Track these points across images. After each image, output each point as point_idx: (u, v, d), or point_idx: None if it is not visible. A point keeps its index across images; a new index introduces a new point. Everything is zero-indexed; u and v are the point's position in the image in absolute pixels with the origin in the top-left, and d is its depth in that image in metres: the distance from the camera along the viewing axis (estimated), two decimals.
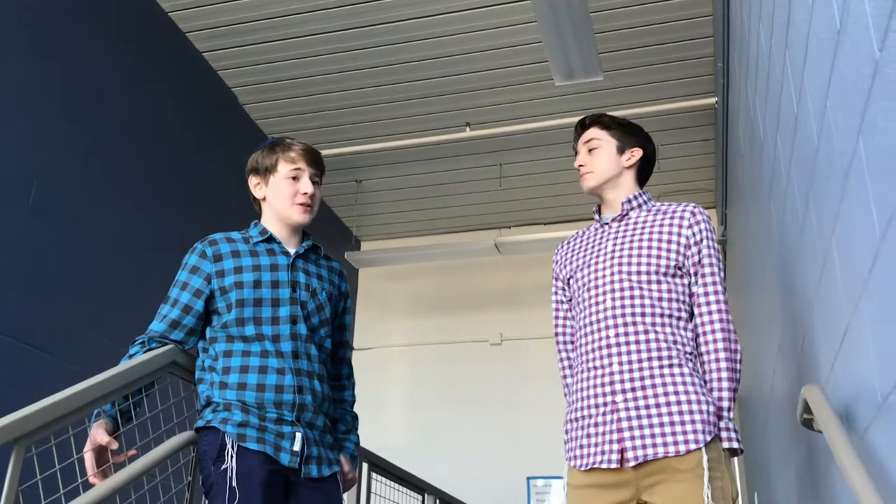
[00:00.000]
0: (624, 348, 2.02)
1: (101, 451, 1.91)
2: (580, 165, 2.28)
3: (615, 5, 4.66)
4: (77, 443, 1.90)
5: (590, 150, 2.27)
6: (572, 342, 2.25)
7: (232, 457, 1.91)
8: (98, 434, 1.90)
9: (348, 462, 2.18)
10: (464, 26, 4.88)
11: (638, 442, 1.93)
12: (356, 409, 2.34)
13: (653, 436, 1.92)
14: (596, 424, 2.01)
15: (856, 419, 1.65)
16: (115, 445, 1.90)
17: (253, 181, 2.23)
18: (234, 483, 1.87)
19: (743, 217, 4.18)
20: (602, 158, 2.26)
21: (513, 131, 5.71)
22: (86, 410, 1.86)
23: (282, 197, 2.17)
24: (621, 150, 2.27)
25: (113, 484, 1.88)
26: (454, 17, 4.80)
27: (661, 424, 1.93)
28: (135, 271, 4.42)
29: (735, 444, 1.96)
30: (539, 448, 6.64)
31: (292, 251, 2.19)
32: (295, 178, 2.17)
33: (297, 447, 1.98)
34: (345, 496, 2.18)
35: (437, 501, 4.38)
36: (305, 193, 2.16)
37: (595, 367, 2.05)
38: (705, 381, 2.03)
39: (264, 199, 2.22)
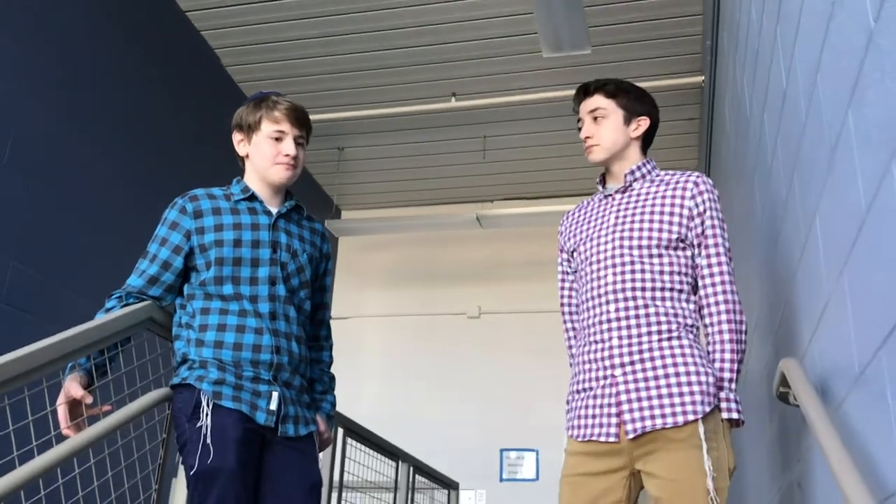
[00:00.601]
0: (624, 322, 2.02)
1: (74, 405, 1.89)
2: (587, 137, 2.20)
3: None
4: (51, 395, 1.87)
5: (595, 120, 2.20)
6: (577, 313, 2.24)
7: (207, 414, 1.89)
8: (72, 387, 1.88)
9: (324, 421, 2.17)
10: None
11: (637, 415, 1.93)
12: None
13: (651, 408, 1.93)
14: (595, 397, 2.02)
15: (832, 392, 1.67)
16: (89, 399, 1.88)
17: (236, 137, 2.19)
18: (208, 440, 1.86)
19: (726, 196, 4.19)
20: (609, 129, 2.18)
21: (498, 103, 5.67)
22: (60, 363, 1.84)
23: (263, 157, 2.13)
24: (628, 120, 2.19)
25: (86, 437, 1.86)
26: None
27: (660, 396, 1.93)
28: (113, 231, 4.37)
29: (735, 415, 1.94)
30: (513, 421, 6.70)
31: (274, 210, 2.16)
32: (278, 139, 2.12)
33: (273, 406, 1.97)
34: (320, 456, 2.18)
35: (411, 469, 4.40)
36: (288, 155, 2.12)
37: (596, 342, 2.05)
38: (708, 353, 2.02)
39: (247, 156, 2.18)
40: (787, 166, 2.12)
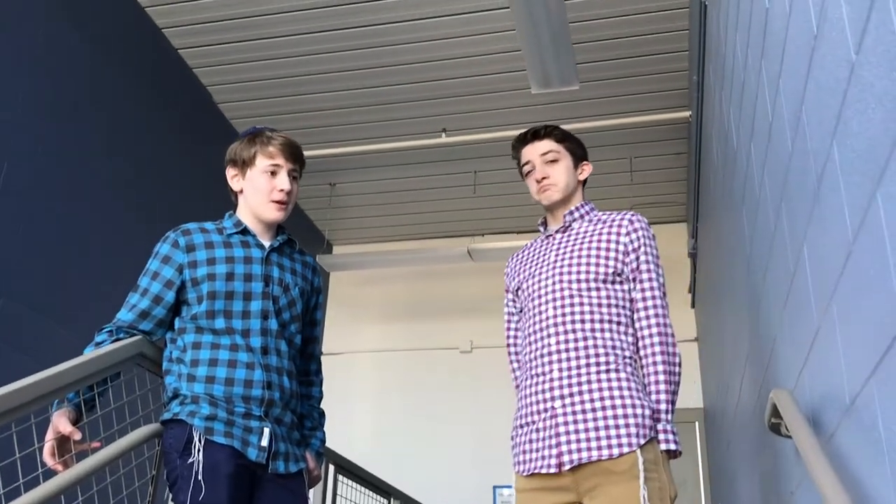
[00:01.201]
0: (564, 355, 2.07)
1: (63, 440, 1.87)
2: (544, 177, 2.29)
3: (593, 17, 4.70)
4: (39, 431, 1.85)
5: (547, 163, 2.30)
6: (521, 351, 2.29)
7: (199, 450, 1.88)
8: (60, 423, 1.86)
9: (314, 458, 2.15)
10: (442, 32, 4.88)
11: (574, 446, 1.97)
12: (323, 406, 2.31)
13: (588, 440, 1.97)
14: (537, 430, 2.06)
15: (824, 423, 1.67)
16: (77, 436, 1.86)
17: (230, 172, 2.19)
18: (200, 476, 1.84)
19: (714, 230, 4.22)
20: (562, 172, 2.29)
21: (488, 139, 5.72)
22: (49, 398, 1.82)
23: (258, 192, 2.13)
24: (576, 165, 2.34)
25: (75, 474, 1.84)
26: (433, 22, 4.80)
27: (597, 428, 1.97)
28: (103, 267, 4.35)
29: (672, 446, 2.00)
30: (506, 457, 6.59)
31: (267, 244, 2.16)
32: (272, 174, 2.13)
33: (264, 442, 1.95)
34: (309, 494, 2.16)
35: None
36: (282, 190, 2.13)
37: (537, 374, 2.11)
38: (644, 385, 2.07)
39: (241, 191, 2.18)
40: (774, 197, 2.15)
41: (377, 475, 4.00)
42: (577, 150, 2.35)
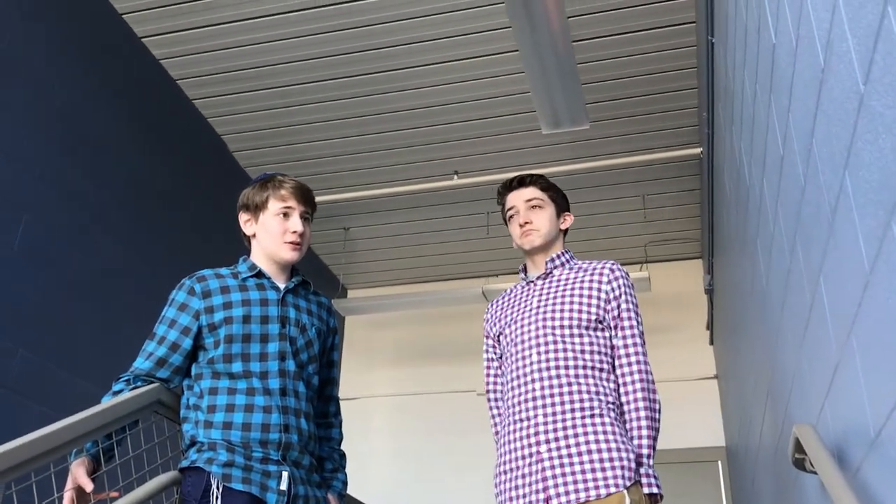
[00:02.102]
0: (549, 400, 2.11)
1: (81, 491, 1.87)
2: (527, 222, 2.37)
3: (602, 57, 4.74)
4: (58, 481, 1.85)
5: (532, 209, 2.38)
6: (502, 398, 2.31)
7: (217, 497, 1.87)
8: (78, 473, 1.86)
9: (336, 500, 2.14)
10: (452, 77, 4.95)
11: (561, 489, 1.99)
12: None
13: (575, 482, 2.00)
14: (523, 476, 2.08)
15: (848, 457, 1.64)
16: (89, 487, 1.85)
17: (243, 217, 2.22)
18: None
19: (730, 265, 4.20)
20: (545, 219, 2.38)
21: (500, 180, 5.72)
22: (67, 448, 1.82)
23: (271, 235, 2.16)
24: (558, 214, 2.42)
25: None
26: (443, 67, 4.87)
27: (584, 472, 2.00)
28: (121, 317, 4.38)
29: (655, 490, 2.04)
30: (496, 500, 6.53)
31: (282, 286, 2.17)
32: (285, 216, 2.17)
33: (283, 486, 1.94)
34: None
35: None
36: (295, 232, 2.16)
37: (521, 420, 2.13)
38: (626, 430, 2.11)
39: (254, 235, 2.21)
40: (788, 231, 2.14)
41: None
42: (560, 201, 2.44)
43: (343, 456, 2.26)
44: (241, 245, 2.29)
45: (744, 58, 2.71)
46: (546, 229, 2.36)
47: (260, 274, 2.16)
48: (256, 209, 2.19)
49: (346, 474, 2.24)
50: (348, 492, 2.50)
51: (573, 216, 2.48)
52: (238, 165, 5.84)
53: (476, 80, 4.97)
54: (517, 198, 2.41)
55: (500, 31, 4.58)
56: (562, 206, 2.44)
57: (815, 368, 1.93)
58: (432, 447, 6.92)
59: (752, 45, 2.46)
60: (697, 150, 5.18)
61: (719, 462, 6.06)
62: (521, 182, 2.44)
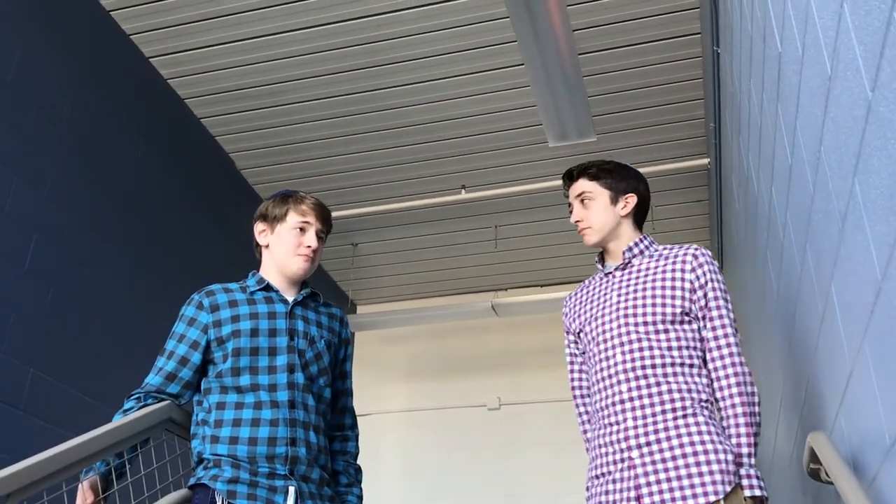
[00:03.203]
0: (637, 402, 1.99)
1: None
2: (577, 221, 2.25)
3: (608, 69, 4.75)
4: (70, 499, 1.85)
5: (583, 203, 2.24)
6: (588, 395, 2.21)
7: None
8: (89, 494, 1.86)
9: None
10: (458, 91, 4.96)
11: (657, 497, 1.88)
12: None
13: (671, 490, 1.88)
14: (614, 481, 1.97)
15: (864, 466, 1.63)
16: (90, 500, 1.85)
17: (259, 227, 2.24)
18: None
19: (740, 275, 4.19)
20: (597, 212, 2.21)
21: (508, 193, 5.75)
22: (79, 466, 1.83)
23: (285, 246, 2.17)
24: (615, 200, 2.23)
25: None
26: (449, 82, 4.88)
27: (679, 478, 1.89)
28: (131, 336, 4.39)
29: (757, 492, 1.89)
30: None
31: (291, 299, 2.18)
32: (302, 231, 2.18)
33: (290, 502, 1.94)
34: None
35: None
36: (309, 247, 2.17)
37: (610, 424, 2.02)
38: (724, 428, 1.98)
39: (267, 246, 2.22)
40: (798, 239, 2.13)
41: None
42: (617, 184, 2.24)
43: (359, 470, 2.24)
44: (251, 262, 2.30)
45: (750, 67, 2.71)
46: (599, 223, 2.20)
47: (268, 287, 2.17)
48: (275, 220, 2.21)
49: (361, 489, 2.22)
50: None
51: (636, 195, 2.24)
52: (246, 183, 5.86)
53: (482, 94, 4.98)
54: (571, 193, 2.27)
55: (506, 46, 4.59)
56: (618, 189, 2.22)
57: (829, 377, 1.92)
58: (444, 461, 6.90)
59: (758, 54, 2.46)
60: (705, 161, 5.17)
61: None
62: (570, 176, 2.29)
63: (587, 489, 2.09)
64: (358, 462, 2.26)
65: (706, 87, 4.60)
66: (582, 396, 2.26)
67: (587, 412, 2.23)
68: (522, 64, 4.48)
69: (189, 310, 2.14)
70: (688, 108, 5.04)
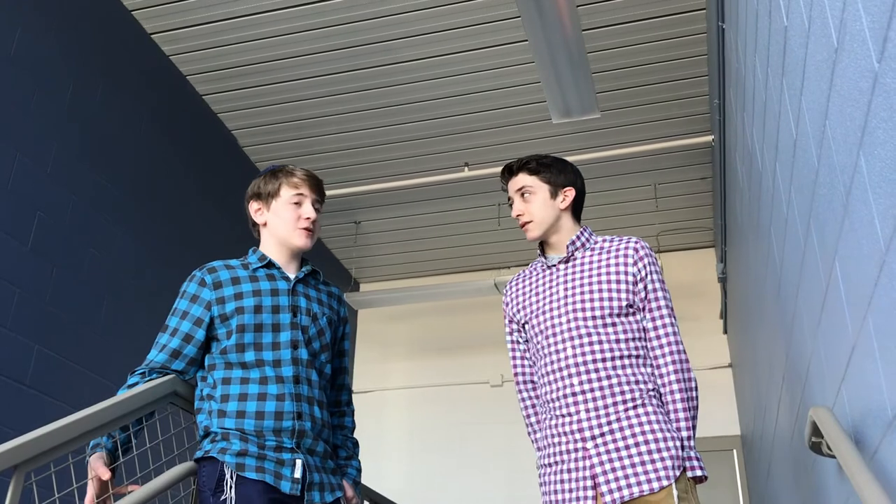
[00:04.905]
0: (589, 395, 2.07)
1: (101, 483, 1.88)
2: (519, 215, 2.31)
3: (612, 45, 4.72)
4: (76, 472, 1.87)
5: (523, 197, 2.30)
6: (532, 381, 2.28)
7: (231, 487, 1.88)
8: (97, 466, 1.88)
9: (351, 487, 2.15)
10: (461, 68, 4.94)
11: (613, 485, 1.98)
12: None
13: (626, 477, 1.98)
14: (569, 470, 2.06)
15: (866, 439, 1.64)
16: (106, 476, 1.86)
17: (254, 206, 2.23)
18: None
19: (743, 252, 4.18)
20: (538, 206, 2.28)
21: None
22: (85, 439, 1.84)
23: (284, 222, 2.17)
24: (554, 194, 2.29)
25: None
26: (452, 58, 4.86)
27: (633, 465, 1.99)
28: (134, 312, 4.40)
29: (699, 472, 2.03)
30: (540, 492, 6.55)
31: (292, 276, 2.18)
32: (297, 204, 2.18)
33: (297, 474, 1.95)
34: None
35: None
36: (308, 218, 2.17)
37: (562, 415, 2.10)
38: (668, 416, 2.09)
39: (265, 224, 2.22)
40: (802, 214, 2.13)
41: None
42: (556, 178, 2.30)
43: (356, 444, 2.27)
44: (253, 238, 2.30)
45: (755, 42, 2.69)
46: (540, 217, 2.26)
47: (270, 264, 2.18)
48: (268, 197, 2.20)
49: (359, 461, 2.25)
50: (365, 481, 2.51)
51: (574, 188, 2.30)
52: (249, 160, 5.86)
53: (486, 70, 4.96)
54: (511, 188, 2.34)
55: (510, 21, 4.56)
56: (557, 183, 2.29)
57: (831, 352, 1.92)
58: (446, 438, 6.94)
59: (764, 29, 2.44)
60: (709, 138, 5.15)
61: (734, 451, 6.04)
62: (510, 170, 2.35)
63: (539, 476, 2.16)
64: (354, 436, 2.29)
65: (710, 64, 4.57)
66: (525, 383, 2.32)
67: (531, 398, 2.29)
68: (526, 40, 4.46)
69: (191, 286, 2.14)
70: (692, 85, 5.02)
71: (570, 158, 5.38)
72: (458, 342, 7.31)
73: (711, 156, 5.48)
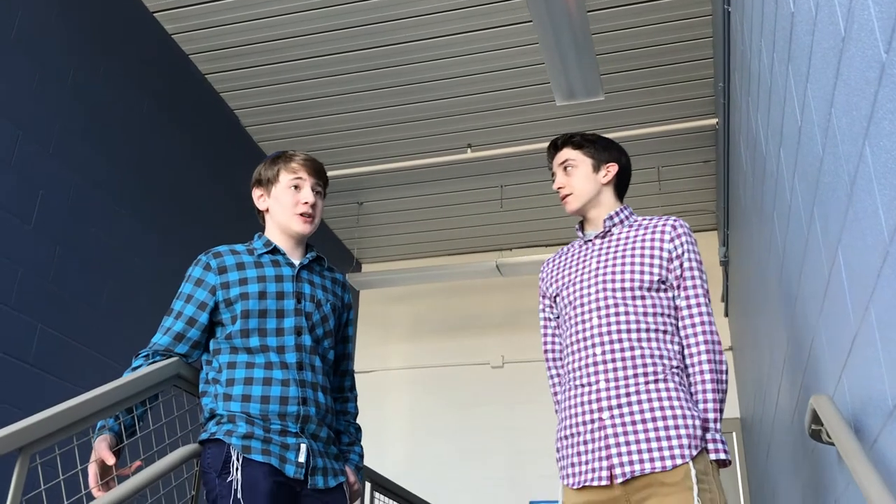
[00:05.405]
0: (610, 365, 2.04)
1: (104, 465, 1.90)
2: (559, 187, 2.30)
3: (616, 27, 4.70)
4: (81, 454, 1.88)
5: (566, 171, 2.29)
6: (561, 359, 2.26)
7: (237, 469, 1.90)
8: (101, 449, 1.89)
9: (353, 473, 2.17)
10: (465, 49, 4.91)
11: (625, 458, 1.95)
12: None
13: (640, 451, 1.95)
14: (585, 442, 2.03)
15: (866, 428, 1.64)
16: (111, 461, 1.88)
17: (256, 193, 2.24)
18: (239, 495, 1.86)
19: (745, 236, 4.18)
20: (579, 178, 2.27)
21: (514, 152, 5.73)
22: (89, 421, 1.85)
23: (283, 207, 2.18)
24: (597, 168, 2.28)
25: (116, 496, 1.86)
26: (455, 39, 4.84)
27: (648, 440, 1.95)
28: (138, 291, 4.41)
29: (722, 455, 1.98)
30: (541, 471, 6.60)
31: (297, 262, 2.19)
32: (296, 188, 2.18)
33: (301, 458, 1.97)
34: None
35: None
36: (306, 203, 2.17)
37: (582, 385, 2.07)
38: (692, 395, 2.05)
39: (267, 210, 2.23)
40: (806, 202, 2.13)
41: (412, 492, 4.00)
42: (599, 154, 2.30)
43: (359, 429, 2.29)
44: (255, 218, 2.31)
45: (761, 27, 2.68)
46: (580, 190, 2.25)
47: (275, 250, 2.18)
48: (269, 183, 2.21)
49: (362, 447, 2.27)
50: (367, 462, 2.53)
51: (617, 164, 2.29)
52: (251, 140, 5.85)
53: (490, 51, 4.93)
54: (555, 162, 2.33)
55: (514, 2, 4.54)
56: (601, 159, 2.28)
57: (833, 339, 1.93)
58: (447, 419, 6.98)
59: (770, 13, 2.42)
60: (713, 121, 5.14)
61: (734, 433, 6.08)
62: (554, 146, 2.35)
63: (557, 450, 2.14)
64: (357, 422, 2.31)
65: (716, 47, 4.55)
66: (554, 360, 2.32)
67: (558, 374, 2.28)
68: (530, 21, 4.43)
69: (196, 270, 2.15)
70: (697, 68, 4.99)
71: None
72: (459, 323, 7.33)
73: (715, 139, 5.47)
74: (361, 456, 2.24)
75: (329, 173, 2.30)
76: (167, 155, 4.87)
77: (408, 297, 7.51)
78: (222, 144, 5.52)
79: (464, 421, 6.92)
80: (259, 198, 2.24)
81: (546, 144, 5.98)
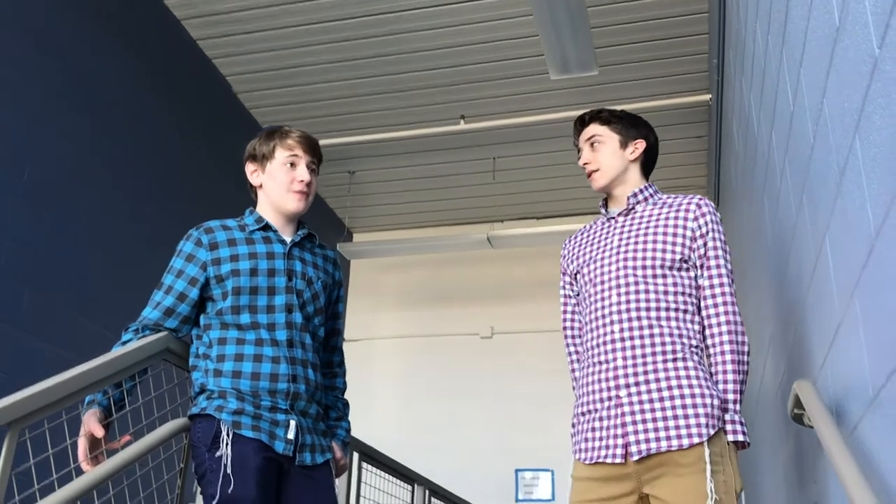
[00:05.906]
0: (629, 343, 2.02)
1: (93, 439, 1.91)
2: (585, 163, 2.25)
3: (612, 0, 4.66)
4: (70, 428, 1.89)
5: (592, 147, 2.25)
6: (580, 336, 2.25)
7: (227, 444, 1.91)
8: (90, 423, 1.90)
9: (340, 448, 2.19)
10: (460, 18, 4.87)
11: (641, 436, 1.93)
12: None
13: (656, 430, 1.92)
14: (601, 419, 2.01)
15: (846, 414, 1.67)
16: (100, 433, 1.89)
17: (250, 168, 2.22)
18: (228, 470, 1.87)
19: (736, 214, 4.20)
20: (606, 155, 2.22)
21: (507, 125, 5.71)
22: (79, 396, 1.86)
23: (278, 184, 2.16)
24: (624, 145, 2.24)
25: (105, 470, 1.87)
26: (450, 8, 4.79)
27: (665, 419, 1.93)
28: (126, 258, 4.41)
29: (740, 437, 1.95)
30: (528, 441, 6.68)
31: (289, 239, 2.18)
32: (292, 165, 2.17)
33: (291, 435, 1.98)
34: (336, 482, 2.19)
35: (427, 493, 4.40)
36: (302, 181, 2.16)
37: (600, 362, 2.05)
38: (711, 374, 2.02)
39: (260, 186, 2.21)
40: (796, 187, 2.14)
41: (401, 462, 4.04)
42: (627, 130, 2.25)
43: (346, 405, 2.30)
44: (246, 187, 2.30)
45: (757, 7, 2.66)
46: (607, 166, 2.20)
47: (266, 227, 2.17)
48: (263, 159, 2.19)
49: (349, 422, 2.28)
50: (355, 433, 2.56)
51: (645, 141, 2.25)
52: (243, 107, 5.80)
53: (484, 22, 4.89)
54: (581, 138, 2.28)
55: None
56: (628, 135, 2.23)
57: (818, 326, 1.95)
58: (436, 388, 7.03)
59: None
60: (706, 97, 5.13)
61: None
62: (581, 122, 2.29)
63: (573, 426, 2.14)
64: (345, 397, 2.32)
65: (711, 22, 4.52)
66: (573, 337, 2.29)
67: (577, 351, 2.27)
68: None
69: (187, 245, 2.14)
70: (691, 43, 4.97)
71: (566, 114, 5.36)
72: (449, 294, 7.35)
73: (708, 115, 5.46)
74: (348, 431, 2.26)
75: (321, 142, 2.28)
76: (158, 122, 4.83)
77: (398, 267, 7.52)
78: (215, 111, 5.48)
79: (452, 390, 6.98)
80: (252, 173, 2.22)
81: (539, 117, 5.97)
